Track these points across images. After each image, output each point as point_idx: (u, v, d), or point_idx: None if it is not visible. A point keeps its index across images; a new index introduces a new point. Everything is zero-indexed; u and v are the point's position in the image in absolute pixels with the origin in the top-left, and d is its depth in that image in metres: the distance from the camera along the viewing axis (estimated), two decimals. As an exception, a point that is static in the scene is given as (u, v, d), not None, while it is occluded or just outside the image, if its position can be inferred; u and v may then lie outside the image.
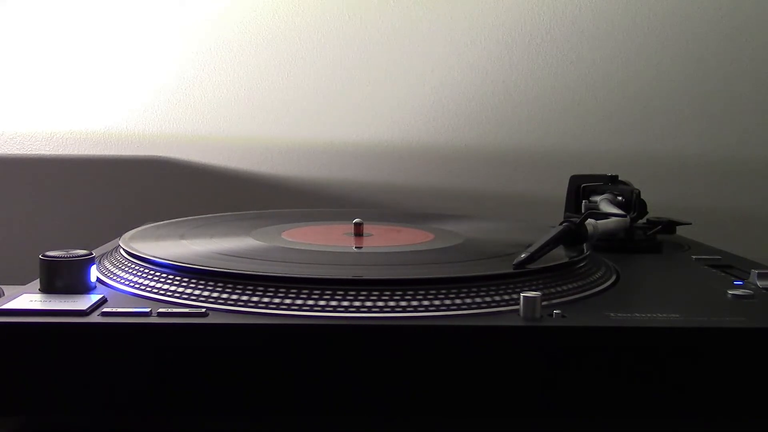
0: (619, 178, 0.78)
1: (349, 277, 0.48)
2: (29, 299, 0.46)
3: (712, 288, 0.54)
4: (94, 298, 0.46)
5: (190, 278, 0.49)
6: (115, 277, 0.52)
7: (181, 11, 1.01)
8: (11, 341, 0.42)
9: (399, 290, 0.47)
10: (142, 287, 0.50)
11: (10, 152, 1.02)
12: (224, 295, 0.47)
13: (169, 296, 0.48)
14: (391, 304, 0.46)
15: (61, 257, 0.49)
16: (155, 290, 0.49)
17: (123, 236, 0.62)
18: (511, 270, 0.51)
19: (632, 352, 0.43)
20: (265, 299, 0.46)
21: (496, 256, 0.58)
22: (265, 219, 0.74)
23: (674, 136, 1.02)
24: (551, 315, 0.45)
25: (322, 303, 0.45)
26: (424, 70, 1.02)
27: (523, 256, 0.52)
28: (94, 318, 0.43)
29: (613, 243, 0.68)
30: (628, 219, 0.68)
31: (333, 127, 1.02)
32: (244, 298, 0.46)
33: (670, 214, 0.78)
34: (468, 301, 0.47)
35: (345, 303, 0.45)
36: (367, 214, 0.74)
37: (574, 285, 0.52)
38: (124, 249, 0.57)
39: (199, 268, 0.50)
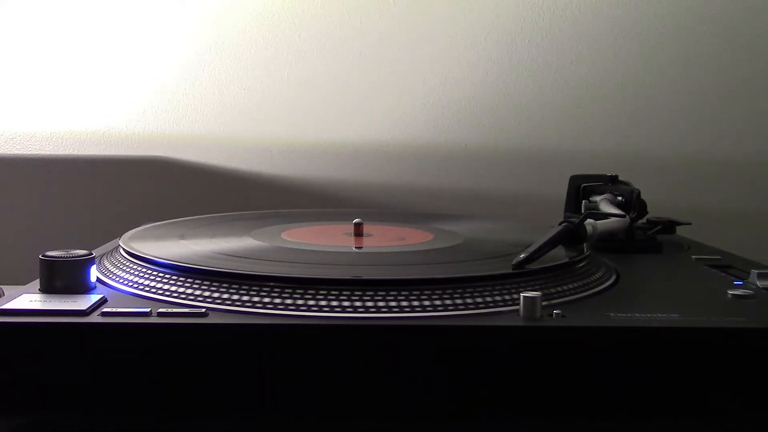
0: (619, 178, 0.78)
1: (349, 277, 0.48)
2: (29, 299, 0.46)
3: (712, 288, 0.54)
4: (94, 298, 0.46)
5: (190, 278, 0.49)
6: (115, 277, 0.52)
7: (181, 11, 1.01)
8: (11, 341, 0.42)
9: (399, 290, 0.47)
10: (142, 287, 0.50)
11: (10, 152, 1.02)
12: (224, 295, 0.47)
13: (169, 296, 0.48)
14: (391, 304, 0.46)
15: (61, 257, 0.49)
16: (155, 290, 0.49)
17: (123, 236, 0.62)
18: (511, 270, 0.51)
19: (632, 352, 0.43)
20: (265, 299, 0.46)
21: (496, 256, 0.58)
22: (265, 219, 0.74)
23: (674, 136, 1.02)
24: (551, 315, 0.45)
25: (322, 303, 0.45)
26: (424, 70, 1.02)
27: (522, 256, 0.52)
28: (94, 318, 0.43)
29: (613, 243, 0.68)
30: (627, 219, 0.68)
31: (333, 127, 1.02)
32: (244, 298, 0.46)
33: (670, 214, 0.78)
34: (468, 301, 0.47)
35: (345, 303, 0.45)
36: (367, 214, 0.74)
37: (574, 285, 0.52)
38: (124, 249, 0.57)
39: (199, 268, 0.50)
